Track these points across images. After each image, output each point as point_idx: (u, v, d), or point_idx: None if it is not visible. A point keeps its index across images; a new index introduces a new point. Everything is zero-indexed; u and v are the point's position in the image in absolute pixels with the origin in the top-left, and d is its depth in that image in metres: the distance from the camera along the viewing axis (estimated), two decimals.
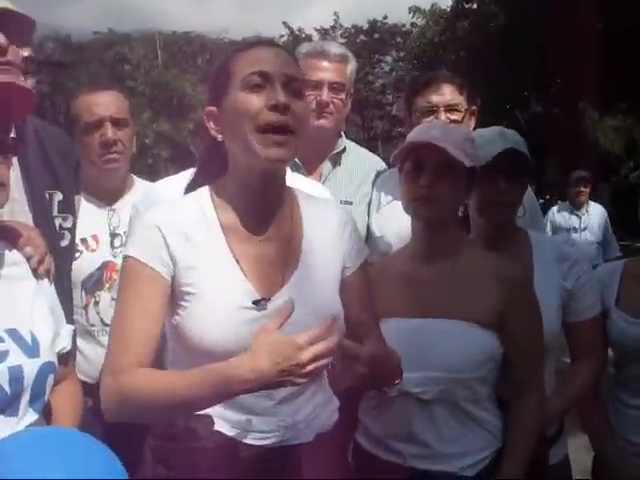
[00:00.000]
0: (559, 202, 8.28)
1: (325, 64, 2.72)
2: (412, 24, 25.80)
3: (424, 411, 1.93)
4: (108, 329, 2.48)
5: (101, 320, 2.54)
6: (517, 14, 16.82)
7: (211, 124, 1.71)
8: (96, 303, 2.55)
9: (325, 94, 2.69)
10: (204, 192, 1.75)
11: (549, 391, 2.15)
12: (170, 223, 1.66)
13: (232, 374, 1.46)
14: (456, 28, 20.17)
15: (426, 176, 1.95)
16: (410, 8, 22.06)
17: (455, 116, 2.65)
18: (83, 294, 2.55)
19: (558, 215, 7.81)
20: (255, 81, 1.63)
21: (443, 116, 2.63)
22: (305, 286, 1.71)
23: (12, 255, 1.72)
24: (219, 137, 1.70)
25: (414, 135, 2.04)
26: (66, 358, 1.85)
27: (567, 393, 2.28)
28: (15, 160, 2.04)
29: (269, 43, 1.73)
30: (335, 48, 2.80)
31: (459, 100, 2.70)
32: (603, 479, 2.38)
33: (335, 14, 31.97)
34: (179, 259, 1.64)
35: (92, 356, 2.52)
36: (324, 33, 31.79)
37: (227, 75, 1.67)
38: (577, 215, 7.62)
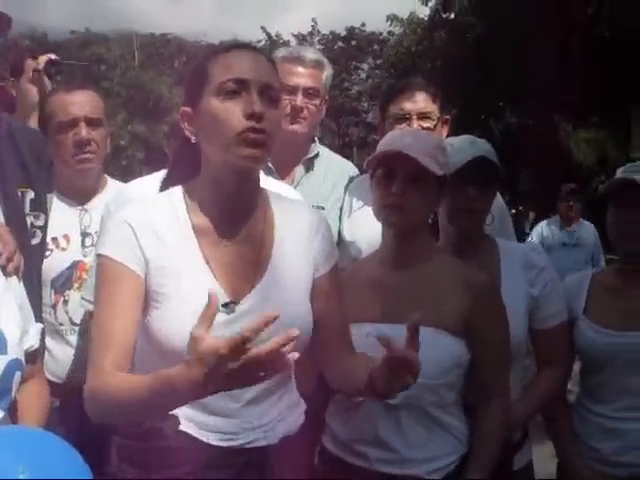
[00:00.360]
0: (551, 216, 7.90)
1: (300, 69, 2.73)
2: (389, 32, 25.94)
3: (391, 416, 1.94)
4: (77, 328, 2.49)
5: (70, 319, 2.53)
6: (494, 25, 16.97)
7: (186, 124, 1.71)
8: (65, 302, 2.54)
9: (299, 99, 2.70)
10: (177, 192, 1.74)
11: (515, 397, 2.18)
12: (142, 221, 1.65)
13: (175, 383, 1.40)
14: (433, 37, 20.31)
15: (397, 184, 1.96)
16: (388, 16, 22.17)
17: (427, 124, 2.67)
18: (52, 293, 2.53)
19: (547, 230, 7.54)
20: (231, 88, 1.63)
21: (416, 124, 2.65)
22: (274, 290, 1.72)
23: None
24: (193, 138, 1.70)
25: (386, 143, 2.06)
26: (34, 356, 1.83)
27: (532, 399, 2.30)
28: None
29: (247, 47, 1.73)
30: (311, 54, 2.81)
31: (432, 108, 2.72)
32: None
33: (313, 20, 31.97)
34: (150, 258, 1.64)
35: (60, 355, 2.51)
36: (302, 39, 31.75)
37: (203, 78, 1.67)
38: (567, 231, 7.36)
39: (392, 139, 2.07)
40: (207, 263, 1.67)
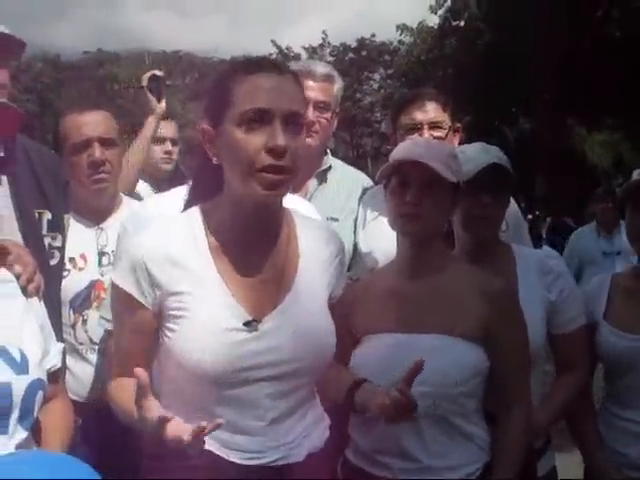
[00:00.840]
0: (590, 223, 6.80)
1: (311, 83, 2.74)
2: (400, 42, 26.03)
3: (412, 426, 1.92)
4: (96, 347, 2.50)
5: (89, 339, 2.54)
6: (504, 31, 16.95)
7: (207, 144, 1.67)
8: (84, 322, 2.55)
9: (311, 113, 2.70)
10: (195, 212, 1.73)
11: (535, 402, 2.17)
12: (156, 250, 1.65)
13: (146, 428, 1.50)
14: (443, 45, 20.30)
15: (412, 193, 1.96)
16: (398, 26, 22.23)
17: (439, 133, 2.68)
18: (71, 313, 2.54)
19: (583, 238, 6.51)
20: (253, 117, 1.57)
21: (427, 133, 2.66)
22: (297, 310, 1.72)
23: (1, 273, 1.73)
24: (214, 160, 1.66)
25: (399, 152, 2.06)
26: (56, 376, 1.85)
27: (552, 405, 2.29)
28: (5, 179, 2.07)
29: (272, 68, 1.64)
30: (321, 68, 2.83)
31: (443, 117, 2.73)
32: None
33: (323, 32, 32.13)
34: (166, 286, 1.64)
35: (80, 374, 2.52)
36: (312, 51, 31.91)
37: (225, 102, 1.61)
38: (606, 237, 6.34)
39: (405, 148, 2.08)
40: (225, 283, 1.67)
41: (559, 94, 16.59)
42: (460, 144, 2.72)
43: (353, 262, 2.80)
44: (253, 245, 1.71)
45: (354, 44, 32.32)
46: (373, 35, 31.80)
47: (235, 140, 1.58)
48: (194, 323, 1.63)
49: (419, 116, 2.72)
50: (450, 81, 19.60)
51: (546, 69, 15.74)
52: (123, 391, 1.66)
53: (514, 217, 2.68)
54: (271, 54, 30.66)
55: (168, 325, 1.66)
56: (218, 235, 1.69)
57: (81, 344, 2.55)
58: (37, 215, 2.15)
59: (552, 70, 15.65)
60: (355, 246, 2.79)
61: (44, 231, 2.17)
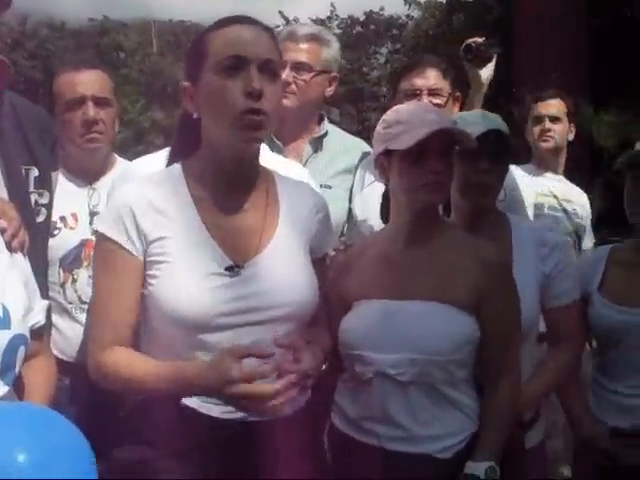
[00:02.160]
0: None
1: (290, 45, 2.73)
2: (408, 16, 25.81)
3: (400, 393, 1.92)
4: (86, 307, 2.49)
5: (79, 298, 2.53)
6: (512, 8, 16.80)
7: (187, 100, 1.72)
8: (74, 281, 2.54)
9: (286, 73, 2.67)
10: (176, 167, 1.77)
11: (526, 376, 2.15)
12: (140, 197, 1.68)
13: (192, 380, 1.60)
14: (452, 21, 20.13)
15: (434, 162, 1.91)
16: (406, 0, 22.05)
17: (438, 100, 2.67)
18: (61, 272, 2.53)
19: None
20: (230, 64, 1.63)
21: (426, 99, 2.65)
22: (279, 258, 1.74)
23: None
24: (195, 114, 1.71)
25: (414, 119, 1.95)
26: (40, 333, 1.84)
27: (543, 377, 2.27)
28: None
29: (246, 20, 1.72)
30: (304, 29, 2.83)
31: (443, 84, 2.72)
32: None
33: (331, 5, 31.78)
34: (149, 231, 1.65)
35: (69, 334, 2.51)
36: (320, 23, 31.52)
37: (203, 54, 1.67)
38: None
39: (419, 117, 1.96)
40: (208, 230, 1.69)
41: (567, 72, 16.45)
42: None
43: (348, 228, 2.79)
44: (233, 197, 1.74)
45: (362, 17, 32.03)
46: (381, 8, 31.47)
47: (214, 87, 1.64)
48: (176, 268, 1.64)
49: (419, 82, 2.71)
50: (457, 57, 19.47)
51: (554, 46, 15.61)
52: (133, 368, 1.66)
53: (512, 188, 2.66)
54: (278, 26, 30.50)
55: (150, 272, 1.66)
56: (199, 187, 1.73)
57: (70, 303, 2.54)
58: (24, 171, 2.12)
59: (560, 48, 15.52)
60: (350, 212, 2.77)
61: (31, 188, 2.14)
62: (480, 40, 2.91)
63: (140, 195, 1.68)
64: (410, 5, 22.23)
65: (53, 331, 2.44)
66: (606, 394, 2.34)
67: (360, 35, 31.98)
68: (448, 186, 1.98)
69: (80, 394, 2.39)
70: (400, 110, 2.04)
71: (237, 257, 1.69)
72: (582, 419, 2.37)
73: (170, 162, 1.81)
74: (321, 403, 1.96)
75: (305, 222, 1.83)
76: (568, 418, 2.43)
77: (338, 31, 31.61)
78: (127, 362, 1.66)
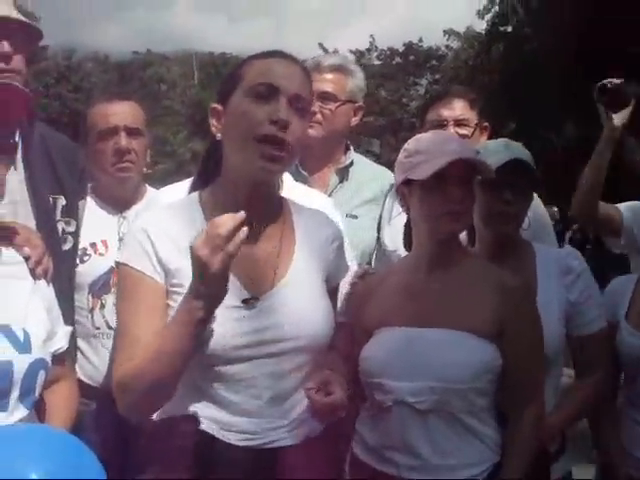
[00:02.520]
0: None
1: (316, 75, 2.73)
2: (447, 47, 25.95)
3: (420, 421, 1.90)
4: (112, 333, 2.52)
5: (106, 323, 2.55)
6: (552, 37, 16.75)
7: (213, 121, 1.74)
8: (102, 306, 2.56)
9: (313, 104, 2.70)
10: (194, 195, 1.79)
11: (551, 406, 2.12)
12: (159, 228, 1.69)
13: (183, 309, 1.55)
14: (491, 51, 20.14)
15: (456, 190, 1.92)
16: (445, 31, 22.20)
17: (464, 131, 2.68)
18: (90, 297, 2.56)
19: None
20: (262, 91, 1.66)
21: (452, 130, 2.67)
22: (295, 290, 1.74)
23: (10, 254, 1.77)
24: (218, 135, 1.73)
25: (434, 148, 1.96)
26: (62, 358, 1.89)
27: (569, 407, 2.23)
28: (20, 165, 2.11)
29: (286, 56, 1.74)
30: (330, 59, 2.85)
31: (469, 115, 2.73)
32: None
33: (371, 36, 32.07)
34: (168, 262, 1.67)
35: (96, 359, 2.54)
36: (359, 55, 31.89)
37: (237, 78, 1.71)
38: None
39: (439, 146, 1.97)
40: None
41: None
42: None
43: (377, 258, 2.79)
44: (250, 226, 1.69)
45: (401, 48, 32.21)
46: (420, 40, 31.65)
47: (241, 109, 1.67)
48: None
49: (445, 112, 2.73)
50: (497, 87, 19.45)
51: (595, 75, 15.49)
52: (145, 353, 1.60)
53: (539, 215, 2.64)
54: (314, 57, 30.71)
55: (169, 302, 1.67)
56: (215, 216, 1.69)
57: (98, 329, 2.56)
58: (52, 200, 2.18)
59: (601, 76, 15.40)
60: (378, 241, 2.78)
61: (58, 216, 2.20)
62: (617, 81, 2.74)
63: (157, 224, 1.70)
64: (449, 36, 22.38)
65: (80, 356, 2.49)
66: (634, 425, 2.29)
67: (400, 66, 32.15)
68: (468, 215, 1.99)
69: (106, 419, 2.41)
70: (420, 139, 2.05)
71: (253, 289, 1.69)
72: (610, 447, 2.32)
73: (192, 189, 1.83)
74: (341, 431, 1.95)
75: (321, 252, 1.84)
76: (595, 444, 2.38)
77: (378, 62, 31.88)
78: (140, 356, 1.60)
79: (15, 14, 2.10)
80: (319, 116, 2.74)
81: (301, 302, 1.72)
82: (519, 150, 2.27)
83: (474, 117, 2.77)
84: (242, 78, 1.70)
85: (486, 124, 2.86)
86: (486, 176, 1.99)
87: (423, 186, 1.95)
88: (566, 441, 2.30)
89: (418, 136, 2.10)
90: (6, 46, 2.04)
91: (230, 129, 1.70)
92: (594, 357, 2.26)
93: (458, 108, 2.76)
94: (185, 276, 1.65)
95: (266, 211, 1.77)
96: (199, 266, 1.48)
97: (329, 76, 2.78)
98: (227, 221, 1.48)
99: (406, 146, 2.05)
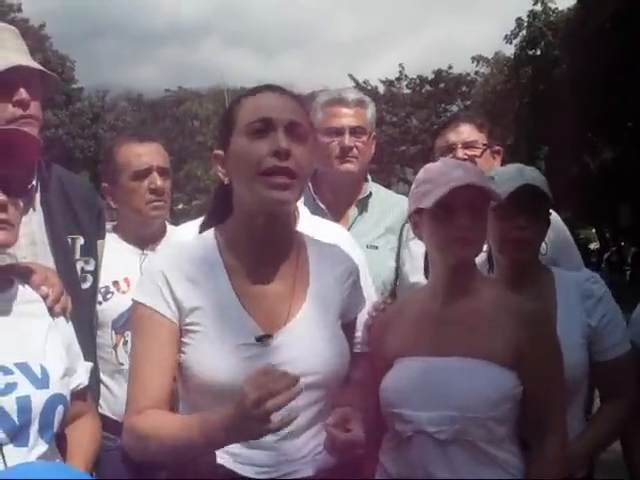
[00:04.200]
0: None
1: (344, 110, 2.78)
2: (476, 72, 26.01)
3: (440, 451, 1.89)
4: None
5: None
6: (581, 59, 16.71)
7: (219, 167, 1.77)
8: (125, 342, 2.59)
9: (347, 139, 2.74)
10: (209, 234, 1.81)
11: (576, 433, 2.10)
12: (174, 266, 1.71)
13: (216, 424, 1.53)
14: (519, 75, 20.17)
15: (465, 217, 1.93)
16: (474, 57, 22.26)
17: (472, 152, 2.71)
18: (113, 334, 2.60)
19: None
20: (258, 127, 1.68)
21: (461, 153, 2.70)
22: (309, 325, 1.74)
23: (28, 293, 1.81)
24: (226, 180, 1.75)
25: (440, 177, 1.98)
26: (83, 394, 1.91)
27: (594, 435, 2.20)
28: (39, 206, 2.17)
29: (273, 88, 1.77)
30: (352, 94, 2.87)
31: (477, 137, 2.76)
32: None
33: (400, 65, 32.23)
34: (183, 300, 1.69)
35: (121, 395, 2.53)
36: (389, 84, 32.07)
37: (231, 121, 1.73)
38: None
39: (444, 174, 1.98)
40: (239, 298, 1.71)
41: None
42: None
43: (399, 287, 2.79)
44: (265, 263, 1.76)
45: (431, 76, 32.30)
46: (450, 67, 31.68)
47: (242, 149, 1.69)
48: (208, 338, 1.67)
49: (453, 137, 2.77)
50: (527, 110, 19.41)
51: (625, 96, 15.40)
52: (164, 427, 1.64)
53: (561, 237, 2.64)
54: (325, 89, 30.79)
55: (184, 340, 1.70)
56: (231, 253, 1.75)
57: (121, 364, 2.59)
58: (70, 240, 2.24)
59: (632, 96, 15.30)
60: (397, 271, 2.79)
61: (77, 256, 2.26)
62: None
63: (172, 263, 1.73)
64: (478, 62, 22.44)
65: (105, 391, 2.53)
66: None
67: (430, 94, 32.22)
68: (479, 241, 1.98)
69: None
70: (429, 169, 2.07)
71: (267, 326, 1.70)
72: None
73: (203, 228, 1.86)
74: (364, 462, 1.94)
75: (335, 288, 1.83)
76: (629, 470, 2.33)
77: (407, 91, 31.97)
78: (159, 423, 1.65)
79: (31, 62, 2.18)
80: (355, 150, 2.77)
81: (315, 339, 1.73)
82: (533, 175, 2.27)
83: (482, 139, 2.81)
84: (236, 120, 1.72)
85: (498, 147, 2.87)
86: (495, 201, 1.98)
87: (431, 215, 1.97)
88: (594, 468, 2.27)
89: (427, 166, 2.11)
90: (24, 93, 2.11)
91: (235, 170, 1.72)
92: (619, 382, 2.23)
93: (465, 132, 2.80)
94: (200, 313, 1.69)
95: (281, 245, 1.78)
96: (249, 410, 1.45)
97: (357, 110, 2.81)
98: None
99: (417, 176, 2.07)
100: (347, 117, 2.77)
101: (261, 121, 1.68)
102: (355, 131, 2.77)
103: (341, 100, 2.80)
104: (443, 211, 1.93)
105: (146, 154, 2.71)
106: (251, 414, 1.44)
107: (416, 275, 2.63)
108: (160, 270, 1.71)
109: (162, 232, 2.81)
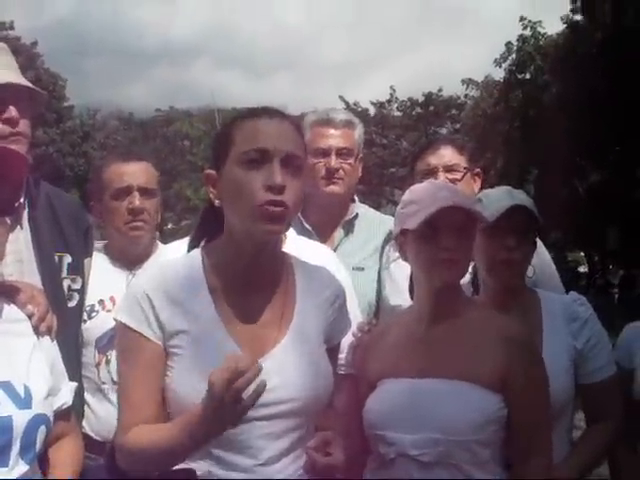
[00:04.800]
0: None
1: (332, 131, 2.78)
2: (466, 96, 26.17)
3: (424, 473, 1.88)
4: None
5: (112, 379, 2.56)
6: (570, 83, 16.86)
7: (210, 187, 1.74)
8: (107, 361, 2.58)
9: (333, 160, 2.74)
10: (195, 253, 1.79)
11: (561, 457, 2.09)
12: (158, 288, 1.69)
13: (193, 421, 1.53)
14: (509, 99, 20.31)
15: (449, 238, 1.93)
16: (464, 80, 22.41)
17: (453, 176, 2.71)
18: (96, 352, 2.59)
19: None
20: (254, 157, 1.65)
21: (442, 176, 2.69)
22: (294, 351, 1.73)
23: (13, 312, 1.80)
24: (217, 202, 1.73)
25: (428, 199, 1.97)
26: (67, 414, 1.90)
27: (579, 458, 2.19)
28: (26, 224, 2.17)
29: (272, 113, 1.72)
30: (341, 115, 2.87)
31: (458, 160, 2.76)
32: None
33: (391, 87, 32.40)
34: (166, 323, 1.68)
35: (103, 414, 2.54)
36: (380, 106, 32.20)
37: (227, 143, 1.69)
38: None
39: (430, 195, 1.99)
40: (224, 323, 1.69)
41: (629, 145, 16.32)
42: (481, 189, 2.71)
43: (380, 309, 2.79)
44: (251, 286, 1.74)
45: (421, 99, 32.48)
46: (440, 90, 31.86)
47: (236, 178, 1.65)
48: (191, 362, 1.65)
49: (433, 160, 2.75)
50: (516, 134, 19.53)
51: (613, 120, 15.53)
52: (152, 433, 1.64)
53: (544, 262, 2.64)
54: (315, 110, 30.96)
55: (168, 364, 1.68)
56: (217, 276, 1.73)
57: (104, 383, 2.58)
58: (57, 258, 2.23)
59: (620, 121, 15.43)
60: (380, 296, 2.79)
61: (64, 274, 2.25)
62: None
63: (157, 284, 1.70)
64: (468, 85, 22.57)
65: (87, 410, 2.51)
66: None
67: (420, 116, 32.36)
68: (463, 263, 1.98)
69: (114, 474, 2.42)
70: (414, 190, 2.07)
71: (252, 351, 1.67)
72: None
73: (191, 247, 1.84)
74: None
75: (320, 313, 1.82)
76: None
77: (398, 113, 32.11)
78: (142, 435, 1.64)
79: (21, 80, 2.18)
80: (341, 172, 2.77)
81: (298, 364, 1.71)
82: (521, 197, 2.28)
83: (463, 162, 2.80)
84: (232, 143, 1.68)
85: (478, 170, 2.89)
86: (483, 222, 1.99)
87: (417, 235, 1.97)
88: None
89: (413, 187, 2.12)
90: (13, 111, 2.12)
91: (227, 197, 1.69)
92: (605, 405, 2.23)
93: (446, 155, 2.78)
94: (184, 337, 1.67)
95: (267, 270, 1.76)
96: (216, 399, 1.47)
97: (345, 131, 2.81)
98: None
99: (403, 197, 2.07)
100: (334, 138, 2.77)
101: (257, 151, 1.64)
102: (342, 152, 2.77)
103: (329, 121, 2.80)
104: (429, 232, 1.93)
105: (128, 174, 2.70)
106: (223, 399, 1.45)
107: (397, 297, 2.64)
108: (144, 291, 1.68)
109: (151, 251, 2.80)
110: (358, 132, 2.86)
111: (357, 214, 2.88)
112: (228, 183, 1.68)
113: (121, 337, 1.73)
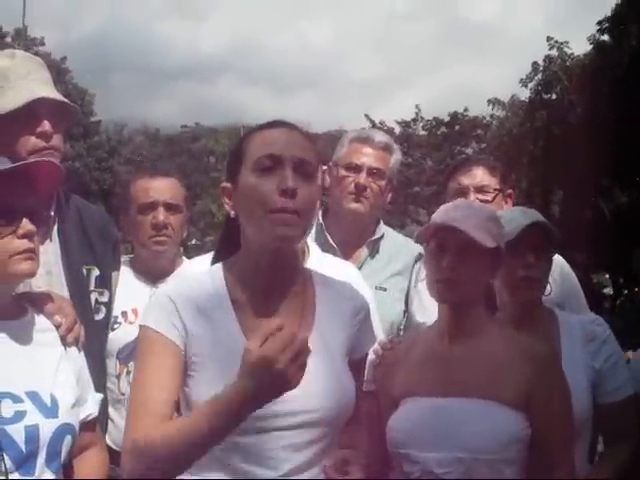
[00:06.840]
0: None
1: (369, 150, 2.80)
2: (492, 116, 26.07)
3: None
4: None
5: None
6: (596, 103, 16.76)
7: (226, 199, 1.78)
8: (128, 373, 2.62)
9: (363, 178, 2.75)
10: (218, 268, 1.81)
11: (581, 475, 2.09)
12: (182, 295, 1.72)
13: (227, 400, 1.51)
14: (534, 118, 20.22)
15: (448, 258, 1.97)
16: (489, 100, 22.33)
17: (484, 197, 2.71)
18: (117, 363, 2.64)
19: None
20: (266, 164, 1.68)
21: (473, 197, 2.70)
22: (315, 361, 1.68)
23: (42, 322, 1.83)
24: (232, 213, 1.76)
25: (437, 216, 2.07)
26: (93, 425, 1.93)
27: (598, 477, 2.19)
28: (56, 236, 2.20)
29: (282, 124, 1.77)
30: (380, 136, 2.90)
31: (489, 181, 2.77)
32: None
33: (416, 107, 32.31)
34: (190, 329, 1.70)
35: (122, 425, 2.56)
36: (405, 125, 32.14)
37: (241, 155, 1.74)
38: None
39: (444, 212, 2.07)
40: (244, 334, 1.70)
41: None
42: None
43: (404, 329, 2.81)
44: (271, 298, 1.76)
45: (447, 118, 32.35)
46: (466, 109, 31.72)
47: (250, 185, 1.69)
48: (211, 372, 1.67)
49: (465, 181, 2.77)
50: (541, 154, 19.44)
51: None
52: (169, 430, 1.59)
53: (566, 278, 2.66)
54: (364, 128, 31.02)
55: (188, 373, 1.70)
56: (237, 287, 1.76)
57: (123, 395, 2.61)
58: (85, 271, 2.27)
59: None
60: (406, 314, 2.81)
61: (92, 287, 2.29)
62: None
63: (182, 292, 1.73)
64: (494, 105, 22.48)
65: (108, 422, 2.52)
66: None
67: (445, 136, 32.20)
68: (464, 284, 1.98)
69: None
70: (441, 207, 2.12)
71: None
72: None
73: (213, 262, 1.87)
74: None
75: (343, 325, 1.83)
76: None
77: (423, 133, 32.01)
78: (158, 430, 1.60)
79: (56, 95, 2.20)
80: (369, 191, 2.78)
81: (317, 375, 1.69)
82: (536, 215, 2.30)
83: (495, 183, 2.81)
84: (245, 154, 1.72)
85: (510, 191, 2.90)
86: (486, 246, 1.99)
87: (425, 251, 2.06)
88: None
89: (442, 206, 2.15)
90: (47, 125, 2.14)
91: (242, 206, 1.72)
92: (623, 424, 2.23)
93: (478, 175, 2.81)
94: (205, 346, 1.69)
95: (287, 281, 1.78)
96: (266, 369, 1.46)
97: (380, 153, 2.83)
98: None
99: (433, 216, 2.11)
100: (369, 156, 2.79)
101: (269, 157, 1.68)
102: (373, 172, 2.78)
103: (368, 139, 2.83)
104: (433, 250, 2.02)
105: (154, 189, 2.78)
106: (269, 371, 1.45)
107: (422, 315, 2.66)
108: (168, 297, 1.71)
109: (174, 267, 2.84)
110: (394, 158, 2.88)
111: (383, 234, 2.90)
112: (242, 192, 1.71)
113: (143, 340, 1.72)
